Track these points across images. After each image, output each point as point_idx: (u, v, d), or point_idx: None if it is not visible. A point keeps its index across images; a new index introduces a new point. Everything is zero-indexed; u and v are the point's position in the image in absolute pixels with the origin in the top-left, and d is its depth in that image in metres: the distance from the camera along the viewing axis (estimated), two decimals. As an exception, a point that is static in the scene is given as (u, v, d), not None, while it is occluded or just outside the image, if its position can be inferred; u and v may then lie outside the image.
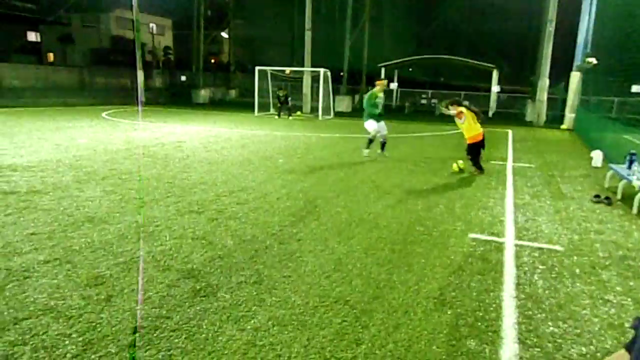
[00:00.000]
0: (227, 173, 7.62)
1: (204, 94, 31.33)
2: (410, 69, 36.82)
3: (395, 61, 29.39)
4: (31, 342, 2.60)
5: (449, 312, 3.15)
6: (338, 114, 23.58)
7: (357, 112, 26.95)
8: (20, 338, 2.63)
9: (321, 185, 6.94)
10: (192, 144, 11.13)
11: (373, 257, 4.09)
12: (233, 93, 34.94)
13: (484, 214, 5.70)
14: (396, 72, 31.58)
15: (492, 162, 9.84)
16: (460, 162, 8.46)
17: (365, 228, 4.93)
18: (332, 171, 8.13)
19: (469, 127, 8.25)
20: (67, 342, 2.62)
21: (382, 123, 9.78)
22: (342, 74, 29.26)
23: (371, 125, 9.66)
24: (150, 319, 2.92)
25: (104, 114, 18.54)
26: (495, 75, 26.34)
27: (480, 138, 8.26)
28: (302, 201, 5.96)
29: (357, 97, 31.39)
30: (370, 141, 9.81)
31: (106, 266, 3.69)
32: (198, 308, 3.07)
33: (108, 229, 4.59)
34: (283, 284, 3.48)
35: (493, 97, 27.08)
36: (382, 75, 28.96)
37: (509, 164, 9.74)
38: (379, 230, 4.87)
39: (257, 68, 22.97)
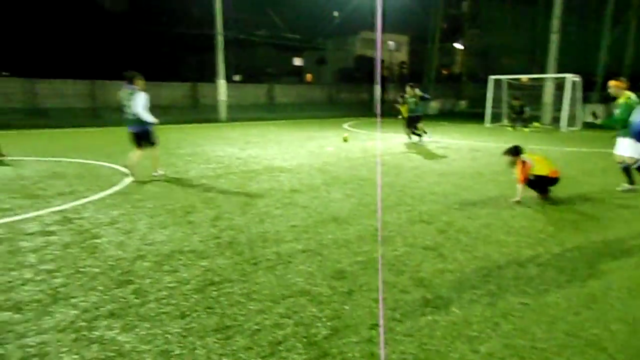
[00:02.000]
0: (457, 185, 7.51)
1: (434, 105, 31.59)
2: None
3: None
4: (293, 318, 3.15)
5: None
6: (587, 125, 20.21)
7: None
8: (286, 312, 3.22)
9: (567, 206, 6.11)
10: (423, 154, 11.38)
11: (636, 300, 3.38)
12: (463, 104, 34.10)
13: None
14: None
15: None
16: None
17: (629, 263, 4.10)
18: (581, 191, 7.06)
19: None
20: (319, 325, 3.06)
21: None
22: (594, 79, 24.98)
23: (628, 148, 6.84)
24: (385, 318, 3.14)
25: (345, 125, 20.77)
26: None
27: None
28: (542, 223, 5.37)
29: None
30: (626, 169, 7.07)
31: (348, 263, 4.14)
32: (429, 318, 3.14)
33: (349, 229, 5.13)
34: (520, 312, 3.22)
35: None
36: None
37: None
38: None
39: (490, 77, 21.82)
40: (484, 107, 22.09)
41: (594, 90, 24.76)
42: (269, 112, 24.07)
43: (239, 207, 6.02)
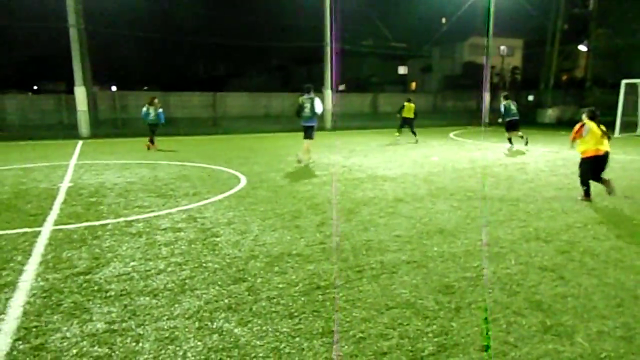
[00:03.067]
0: (579, 201, 6.79)
1: (550, 113, 28.97)
2: None
3: None
4: (398, 329, 3.11)
5: None
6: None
7: None
8: (390, 323, 3.20)
9: None
10: (537, 166, 10.50)
11: None
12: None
13: None
14: None
15: None
16: None
17: None
18: None
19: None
20: (424, 339, 2.99)
21: None
22: None
23: None
24: (498, 341, 2.96)
25: (451, 134, 20.02)
26: None
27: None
28: (692, 250, 4.61)
29: None
30: None
31: (455, 278, 3.98)
32: (549, 347, 2.88)
33: (455, 242, 4.93)
34: (663, 350, 2.81)
35: None
36: None
37: None
38: None
39: (623, 81, 19.34)
40: (613, 115, 19.66)
41: None
42: (373, 120, 24.15)
43: (344, 214, 6.14)
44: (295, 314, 3.32)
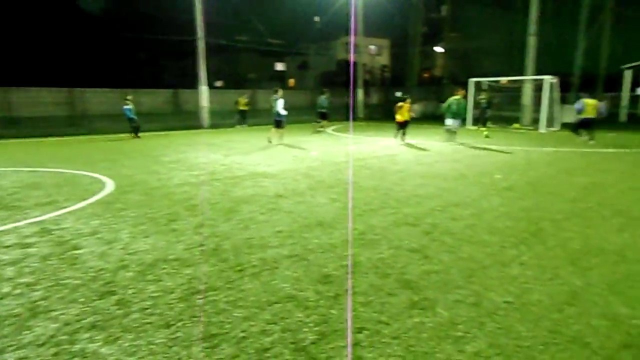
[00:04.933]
0: (440, 187, 7.58)
1: (416, 108, 31.86)
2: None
3: (648, 60, 24.08)
4: (280, 324, 3.12)
5: None
6: (565, 125, 20.67)
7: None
8: (272, 318, 3.19)
9: (547, 206, 6.22)
10: (406, 157, 11.47)
11: (621, 297, 3.45)
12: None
13: None
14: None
15: None
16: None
17: (608, 260, 4.20)
18: (560, 190, 7.20)
19: None
20: (305, 330, 3.05)
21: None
22: (571, 79, 25.56)
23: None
24: (372, 322, 3.15)
25: (329, 130, 20.80)
26: None
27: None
28: (524, 222, 5.46)
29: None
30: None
31: (334, 267, 4.14)
32: (416, 320, 3.15)
33: (334, 233, 5.13)
34: (505, 310, 3.26)
35: None
36: (628, 78, 24.21)
37: None
38: (628, 265, 4.07)
39: (470, 80, 22.15)
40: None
41: (570, 91, 25.32)
42: (252, 117, 23.92)
43: (223, 213, 5.97)
44: (172, 322, 3.12)
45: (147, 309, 3.32)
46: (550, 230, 5.14)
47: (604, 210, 5.98)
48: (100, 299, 3.47)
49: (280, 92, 14.73)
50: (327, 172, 9.15)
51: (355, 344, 2.87)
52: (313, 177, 8.60)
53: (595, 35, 26.83)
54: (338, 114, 28.68)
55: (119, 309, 3.31)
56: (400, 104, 15.14)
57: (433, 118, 29.40)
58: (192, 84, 22.85)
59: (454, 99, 14.82)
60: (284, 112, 14.43)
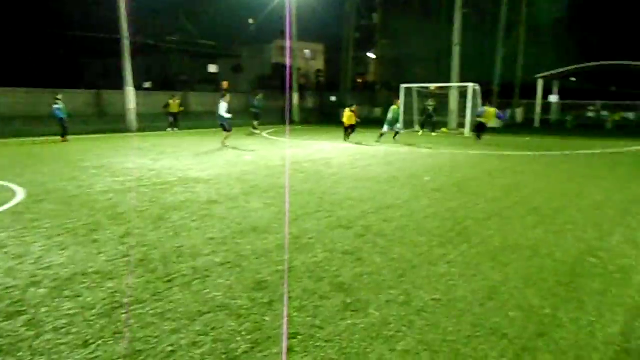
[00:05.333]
0: (373, 190, 7.78)
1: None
2: (573, 79, 32.77)
3: (556, 71, 26.54)
4: (211, 334, 3.01)
5: (635, 364, 2.69)
6: (487, 130, 22.15)
7: (509, 128, 24.95)
8: (203, 329, 3.07)
9: (471, 206, 6.60)
10: (340, 160, 11.66)
11: (534, 289, 3.73)
12: (378, 111, 35.61)
13: (680, 249, 4.73)
14: (556, 82, 28.45)
15: (690, 186, 8.16)
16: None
17: (523, 255, 4.52)
18: (482, 190, 7.67)
19: None
20: (238, 339, 2.96)
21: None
22: (492, 87, 27.51)
23: None
24: (306, 326, 3.13)
25: (264, 133, 20.62)
26: (691, 80, 21.79)
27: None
28: (451, 221, 5.75)
29: (509, 111, 29.12)
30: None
31: (268, 273, 4.08)
32: (349, 322, 3.19)
33: (268, 238, 5.07)
34: (433, 307, 3.39)
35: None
36: (540, 86, 26.44)
37: None
38: (540, 259, 4.42)
39: (402, 86, 23.06)
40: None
41: (491, 97, 27.19)
42: (184, 120, 23.07)
43: (152, 221, 5.68)
44: (91, 340, 2.90)
45: (62, 328, 3.05)
46: (474, 229, 5.45)
47: (520, 209, 6.46)
48: (6, 321, 3.14)
49: (228, 96, 15.14)
50: (261, 177, 9.05)
51: (289, 350, 2.84)
52: (247, 182, 8.46)
53: (512, 47, 29.06)
54: (273, 117, 28.56)
55: (28, 330, 3.01)
56: (347, 109, 17.50)
57: (367, 122, 30.24)
58: (118, 84, 21.59)
59: (393, 108, 16.74)
60: (227, 115, 14.67)
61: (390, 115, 16.79)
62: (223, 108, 14.65)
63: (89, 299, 3.48)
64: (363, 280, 3.92)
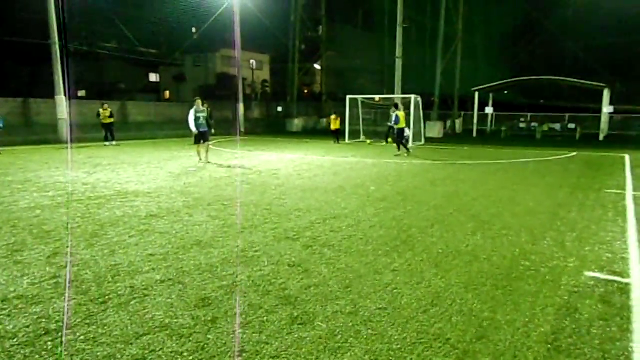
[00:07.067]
0: (320, 200, 7.79)
1: (297, 123, 32.77)
2: (506, 92, 35.06)
3: (490, 84, 28.21)
4: (150, 358, 2.83)
5: (566, 361, 2.83)
6: (429, 140, 23.07)
7: (449, 138, 26.14)
8: (141, 353, 2.89)
9: (414, 214, 6.78)
10: (287, 171, 11.60)
11: (474, 293, 3.86)
12: (325, 122, 36.02)
13: (602, 249, 5.11)
14: (491, 95, 30.27)
15: (607, 190, 8.87)
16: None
17: (464, 261, 4.69)
18: (425, 199, 7.92)
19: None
20: (179, 360, 2.82)
21: None
22: (433, 99, 28.77)
23: None
24: (252, 343, 3.03)
25: (209, 144, 20.10)
26: (606, 95, 24.02)
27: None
28: (396, 230, 5.86)
29: (448, 122, 30.53)
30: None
31: (212, 289, 3.93)
32: (296, 336, 3.13)
33: (213, 252, 4.90)
34: (379, 317, 3.41)
35: (604, 119, 24.70)
36: (476, 99, 27.94)
37: (629, 193, 8.68)
38: (479, 264, 4.60)
39: (348, 97, 23.50)
40: (344, 124, 23.65)
41: (432, 109, 28.39)
42: (123, 131, 22.00)
43: (85, 239, 5.32)
44: (12, 374, 2.63)
45: (-23, 361, 2.75)
46: (418, 236, 5.58)
47: (461, 216, 6.72)
48: None
49: (197, 103, 13.05)
50: (206, 189, 8.79)
51: (233, 370, 2.73)
52: (191, 195, 8.19)
53: (451, 61, 30.57)
54: (219, 128, 28.03)
55: (-63, 366, 2.69)
56: (332, 117, 22.00)
57: (313, 133, 30.45)
58: (47, 92, 20.23)
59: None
60: (192, 128, 12.92)
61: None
62: (190, 118, 12.90)
63: (9, 327, 3.17)
64: (310, 292, 3.87)
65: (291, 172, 11.49)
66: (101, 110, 19.38)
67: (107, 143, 19.46)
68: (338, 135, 21.75)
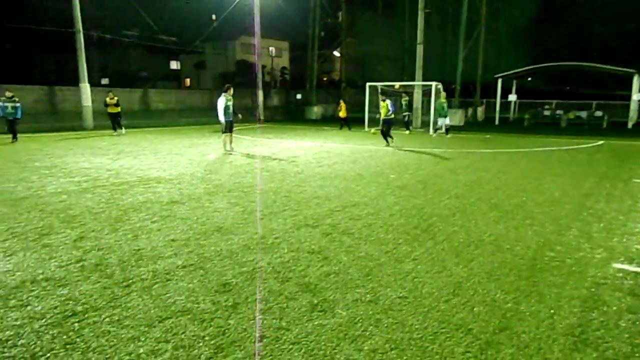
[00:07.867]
0: (340, 188, 7.76)
1: (316, 110, 32.62)
2: (530, 79, 34.11)
3: (514, 71, 27.49)
4: (172, 341, 2.88)
5: (594, 355, 2.76)
6: (450, 128, 22.68)
7: (471, 126, 25.65)
8: (164, 336, 2.94)
9: (435, 203, 6.69)
10: (306, 158, 11.59)
11: (497, 283, 3.79)
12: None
13: (630, 240, 4.95)
14: (514, 82, 29.48)
15: (636, 180, 8.59)
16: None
17: (486, 250, 4.61)
18: (446, 188, 7.80)
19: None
20: (201, 344, 2.85)
21: None
22: (454, 86, 28.21)
23: None
24: (272, 329, 3.05)
25: (227, 132, 20.23)
26: (636, 81, 23.12)
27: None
28: (416, 219, 5.80)
29: (470, 110, 29.93)
30: None
31: (232, 274, 3.96)
32: (316, 323, 3.13)
33: (233, 239, 4.94)
34: (400, 305, 3.39)
35: (633, 106, 23.79)
36: (499, 86, 27.29)
37: (660, 183, 8.39)
38: (502, 254, 4.51)
39: (367, 84, 23.24)
40: (364, 112, 23.43)
41: (454, 96, 27.86)
42: (145, 118, 22.34)
43: (109, 224, 5.43)
44: (40, 353, 2.71)
45: (7, 340, 2.84)
46: (439, 225, 5.51)
47: (483, 205, 6.60)
48: (-55, 334, 2.89)
49: (228, 92, 12.58)
50: (226, 176, 8.85)
51: (254, 354, 2.75)
52: (211, 181, 8.26)
53: (473, 47, 29.85)
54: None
55: (-30, 344, 2.79)
56: (340, 105, 22.69)
57: (332, 120, 30.29)
58: (72, 80, 20.60)
59: (441, 102, 18.49)
60: (221, 118, 12.49)
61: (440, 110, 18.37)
62: (219, 104, 12.45)
63: (38, 308, 3.26)
64: (330, 279, 3.87)
65: (310, 159, 11.46)
66: (108, 99, 18.33)
67: (114, 133, 18.47)
68: (347, 122, 22.34)
